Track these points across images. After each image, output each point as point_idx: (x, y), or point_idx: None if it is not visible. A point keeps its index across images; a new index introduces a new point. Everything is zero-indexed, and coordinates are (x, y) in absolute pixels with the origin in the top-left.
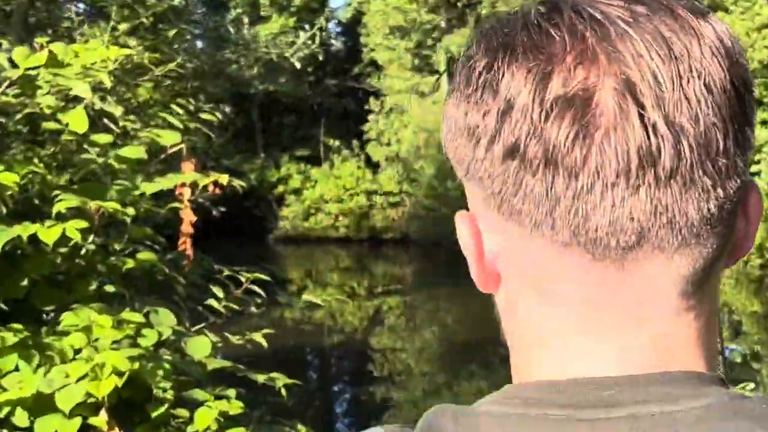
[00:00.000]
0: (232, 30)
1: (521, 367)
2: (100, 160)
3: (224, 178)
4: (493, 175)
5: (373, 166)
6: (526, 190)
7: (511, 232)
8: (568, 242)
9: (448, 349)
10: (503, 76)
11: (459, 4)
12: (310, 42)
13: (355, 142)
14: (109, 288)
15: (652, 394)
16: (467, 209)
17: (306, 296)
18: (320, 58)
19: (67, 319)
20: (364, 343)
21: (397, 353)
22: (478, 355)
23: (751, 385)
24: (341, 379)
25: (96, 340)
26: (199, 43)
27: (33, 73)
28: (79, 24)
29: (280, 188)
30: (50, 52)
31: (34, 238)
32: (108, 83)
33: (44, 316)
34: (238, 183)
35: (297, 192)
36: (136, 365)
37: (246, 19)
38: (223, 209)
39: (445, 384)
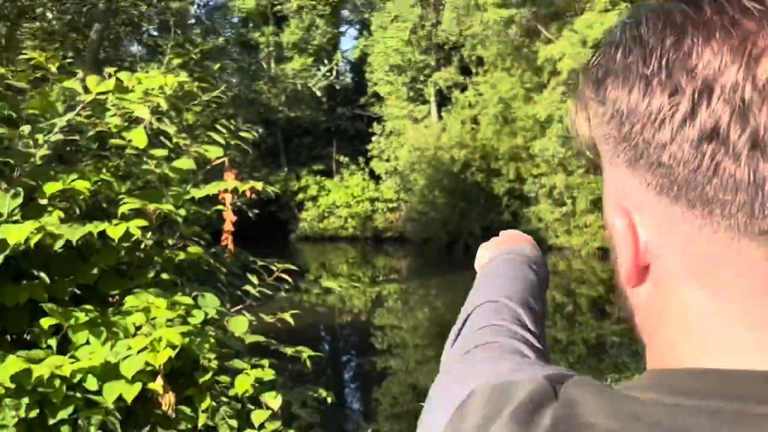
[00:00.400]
0: (264, 65)
1: (670, 361)
2: (157, 170)
3: (258, 185)
4: (682, 159)
5: (376, 178)
6: (724, 177)
7: (686, 222)
8: (762, 230)
9: (436, 326)
10: (699, 54)
11: (445, 47)
12: (328, 74)
13: (361, 159)
14: (165, 276)
15: None
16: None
17: (325, 282)
18: (337, 87)
19: (129, 301)
20: (368, 321)
21: (394, 330)
22: None
23: None
24: (349, 351)
25: (153, 319)
26: (234, 79)
27: (102, 97)
28: (139, 59)
29: (300, 196)
30: (117, 79)
31: (102, 235)
32: (164, 106)
33: (110, 299)
34: (271, 189)
35: (314, 199)
36: (187, 340)
37: (272, 59)
38: (256, 212)
39: (433, 356)
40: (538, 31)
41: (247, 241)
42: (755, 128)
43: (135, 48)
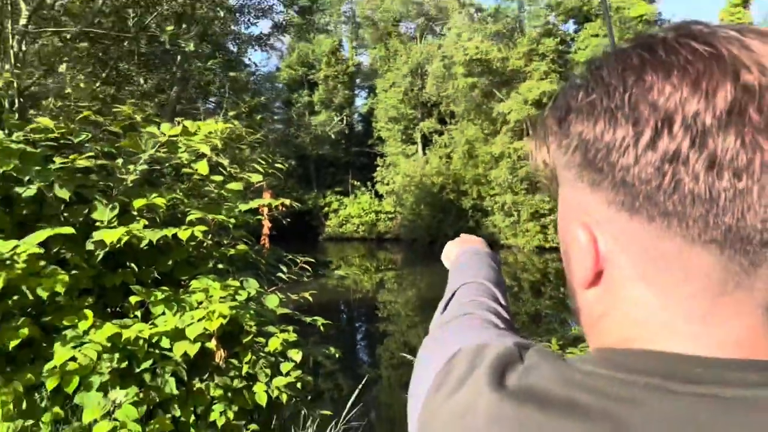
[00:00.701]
0: (294, 116)
1: (610, 345)
2: (215, 191)
3: (287, 201)
4: (645, 179)
5: (379, 196)
6: (683, 193)
7: (644, 233)
8: (714, 239)
9: (421, 301)
10: (661, 89)
11: (428, 104)
12: (340, 123)
13: (369, 183)
14: (220, 266)
15: (733, 378)
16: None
17: (338, 271)
18: (346, 132)
19: (194, 284)
20: (373, 297)
21: (392, 303)
22: (438, 303)
23: None
24: (360, 318)
25: (211, 296)
26: (280, 126)
27: (174, 139)
28: (205, 112)
29: (326, 209)
30: (184, 126)
31: (175, 236)
32: (219, 145)
33: (182, 282)
34: (296, 204)
35: (335, 211)
36: (234, 312)
37: (306, 112)
38: (288, 220)
39: (419, 321)
40: (493, 93)
41: (287, 240)
42: (713, 150)
43: (201, 103)
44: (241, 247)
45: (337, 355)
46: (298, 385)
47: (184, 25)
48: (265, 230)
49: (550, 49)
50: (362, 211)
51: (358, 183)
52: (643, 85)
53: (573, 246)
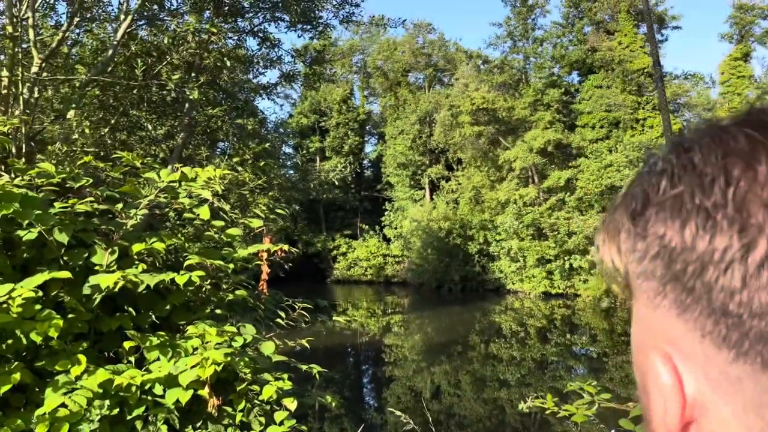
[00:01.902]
0: (299, 162)
1: None
2: (216, 236)
3: (286, 247)
4: (758, 311)
5: (387, 240)
6: None
7: (756, 383)
8: None
9: (427, 345)
10: None
11: (436, 151)
12: (344, 170)
13: (377, 227)
14: (218, 311)
15: None
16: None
17: (337, 318)
18: (351, 181)
19: (190, 330)
20: (380, 341)
21: (398, 347)
22: (445, 349)
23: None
24: (366, 362)
25: (207, 342)
26: (291, 171)
27: (174, 184)
28: (211, 157)
29: (334, 252)
30: (182, 172)
31: (174, 281)
32: (220, 190)
33: (181, 327)
34: (294, 249)
35: (344, 254)
36: (229, 359)
37: (318, 157)
38: (290, 265)
39: (425, 366)
40: (499, 141)
41: (296, 282)
42: None
43: (207, 149)
44: (240, 292)
45: (333, 404)
46: None
47: (193, 74)
48: (264, 275)
49: (555, 99)
50: (370, 254)
51: (367, 227)
52: (755, 178)
53: (651, 380)
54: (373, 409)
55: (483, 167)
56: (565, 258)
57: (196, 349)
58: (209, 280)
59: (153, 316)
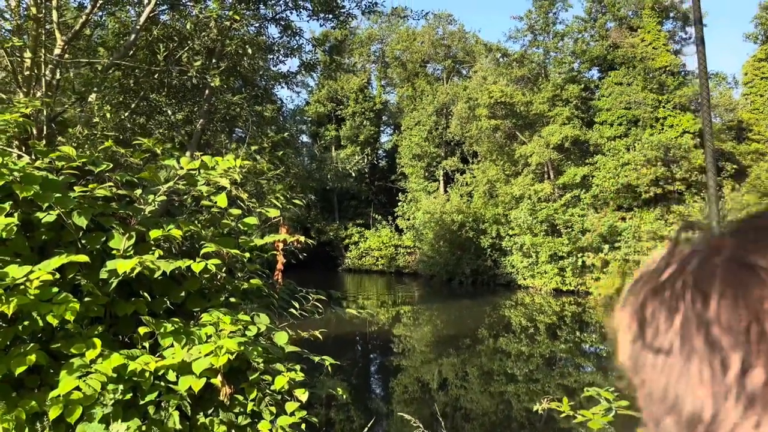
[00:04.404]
0: (316, 152)
1: None
2: (233, 224)
3: (302, 238)
4: None
5: (399, 231)
6: None
7: None
8: None
9: (436, 337)
10: None
11: (451, 144)
12: (362, 161)
13: (390, 218)
14: (232, 299)
15: None
16: None
17: (350, 309)
18: (365, 170)
19: (204, 317)
20: (389, 331)
21: (407, 338)
22: (454, 342)
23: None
24: (375, 351)
25: (221, 330)
26: (307, 159)
27: (193, 172)
28: (225, 145)
29: (347, 241)
30: (202, 160)
31: (190, 268)
32: (238, 179)
33: (195, 314)
34: (309, 241)
35: (356, 243)
36: (242, 348)
37: (333, 146)
38: (305, 255)
39: (434, 357)
40: (516, 135)
41: (308, 269)
42: None
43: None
44: (255, 281)
45: (344, 396)
46: (303, 426)
47: (214, 60)
48: (279, 265)
49: (574, 95)
50: (382, 244)
51: (380, 217)
52: None
53: None
54: (380, 398)
55: (498, 161)
56: (578, 255)
57: (209, 336)
58: (224, 268)
59: (168, 302)
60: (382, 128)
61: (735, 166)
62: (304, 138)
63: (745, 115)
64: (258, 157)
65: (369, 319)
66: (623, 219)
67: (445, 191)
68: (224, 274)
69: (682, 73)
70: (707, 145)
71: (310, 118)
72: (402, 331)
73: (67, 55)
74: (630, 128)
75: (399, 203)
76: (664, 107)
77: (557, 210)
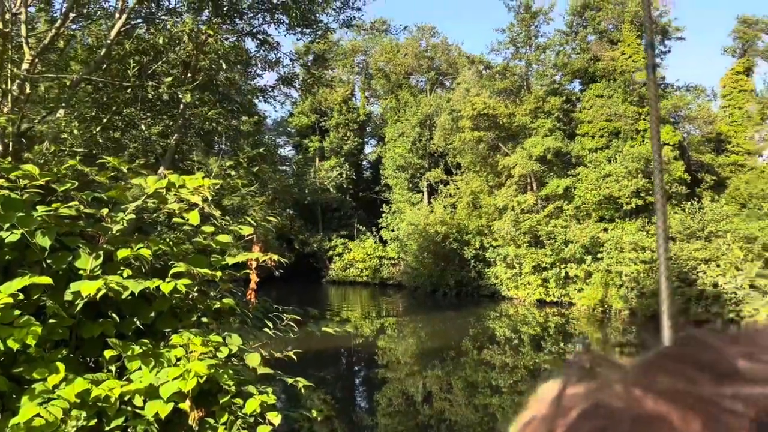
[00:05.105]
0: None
1: None
2: (205, 242)
3: (275, 257)
4: None
5: (384, 242)
6: None
7: None
8: None
9: (421, 349)
10: None
11: (435, 155)
12: (341, 177)
13: (374, 229)
14: (204, 319)
15: None
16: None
17: (326, 328)
18: (348, 182)
19: (174, 338)
20: (373, 343)
21: (392, 350)
22: (439, 354)
23: None
24: (359, 363)
25: (191, 352)
26: (288, 169)
27: (161, 190)
28: (204, 160)
29: (330, 252)
30: (169, 180)
31: (159, 288)
32: (209, 197)
33: (166, 334)
34: (283, 259)
35: (340, 255)
36: (212, 370)
37: (317, 158)
38: (281, 271)
39: (418, 369)
40: (499, 146)
41: (292, 281)
42: None
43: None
44: (227, 300)
45: (318, 419)
46: None
47: (189, 74)
48: (252, 284)
49: (556, 107)
50: (366, 255)
51: (364, 228)
52: None
53: None
54: (364, 412)
55: (482, 173)
56: (561, 266)
57: (179, 359)
58: (196, 288)
59: (138, 323)
60: (366, 139)
61: (714, 178)
62: (289, 149)
63: (724, 127)
64: (232, 173)
65: (353, 332)
66: (605, 230)
67: (429, 202)
68: (196, 293)
69: (662, 85)
70: (655, 173)
71: (293, 130)
72: (386, 343)
73: (38, 69)
74: (611, 140)
75: (383, 214)
76: (644, 119)
77: (540, 221)
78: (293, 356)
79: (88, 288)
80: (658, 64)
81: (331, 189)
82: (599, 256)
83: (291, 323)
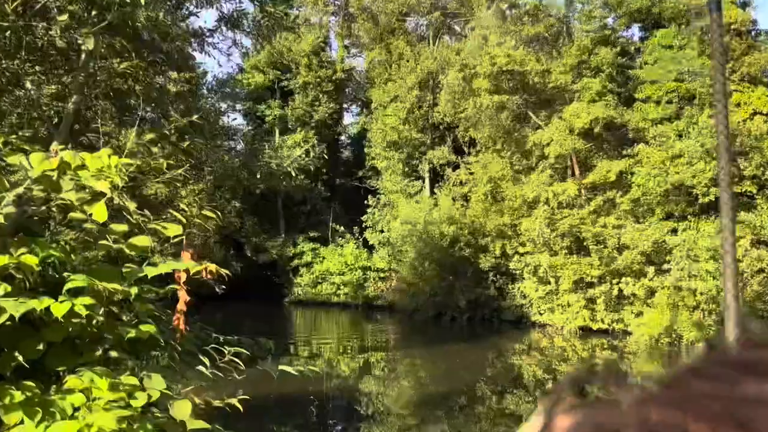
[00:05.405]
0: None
1: None
2: (115, 246)
3: (212, 267)
4: None
5: (369, 247)
6: None
7: None
8: None
9: (420, 396)
10: None
11: (440, 127)
12: (307, 157)
13: (356, 228)
14: (114, 353)
15: None
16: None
17: (284, 367)
18: (319, 164)
19: (70, 381)
20: (353, 388)
21: (380, 397)
22: (444, 402)
23: None
24: (335, 416)
25: (94, 399)
26: (240, 146)
27: (52, 173)
28: (114, 130)
29: (296, 261)
30: (62, 159)
31: (49, 310)
32: (119, 183)
33: (59, 374)
34: (224, 272)
35: (308, 265)
36: (124, 424)
37: (277, 130)
38: (224, 288)
39: (415, 423)
40: (528, 116)
41: (241, 302)
42: None
43: (111, 121)
44: (147, 327)
45: None
46: None
47: (93, 12)
48: (181, 305)
49: (607, 62)
50: (345, 266)
51: (342, 228)
52: None
53: None
54: None
55: (505, 152)
56: (613, 281)
57: (77, 409)
58: (103, 309)
59: (20, 359)
60: (345, 105)
61: None
62: (236, 119)
63: None
64: (155, 150)
65: (327, 371)
66: (674, 232)
67: (432, 193)
68: (101, 318)
69: (752, 33)
70: (720, 152)
71: (244, 91)
72: (372, 387)
73: None
74: (683, 107)
75: (368, 209)
76: (729, 78)
77: (584, 219)
78: (239, 405)
79: None
80: (749, 4)
81: (294, 173)
82: (665, 267)
83: (235, 359)
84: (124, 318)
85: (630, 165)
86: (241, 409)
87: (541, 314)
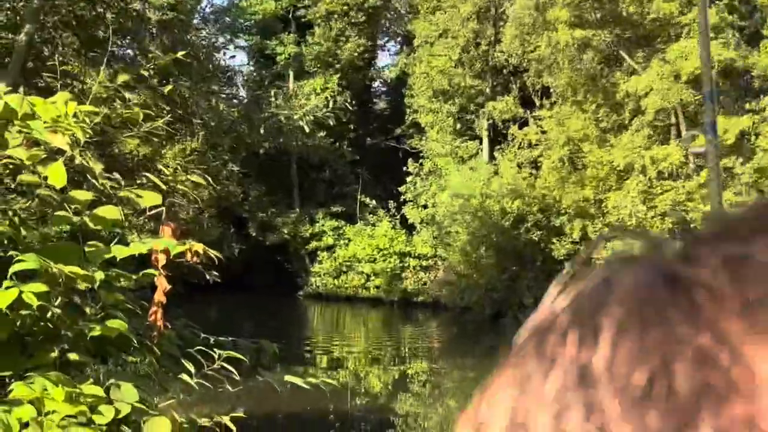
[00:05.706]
0: (242, 86)
1: None
2: (75, 219)
3: (198, 247)
4: None
5: (408, 227)
6: None
7: None
8: None
9: None
10: None
11: (504, 72)
12: (326, 108)
13: (391, 203)
14: (73, 356)
15: None
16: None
17: (291, 377)
18: (331, 123)
19: (18, 389)
20: (387, 407)
21: (420, 420)
22: None
23: None
24: None
25: (48, 413)
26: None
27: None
28: (81, 70)
29: (313, 244)
30: (6, 103)
31: None
32: (82, 138)
33: (4, 382)
34: (214, 254)
35: (330, 249)
36: None
37: (292, 72)
38: (216, 275)
39: None
40: (620, 58)
41: (244, 293)
42: None
43: (73, 57)
44: (115, 323)
45: None
46: None
47: None
48: (159, 295)
49: None
50: (377, 251)
51: (373, 202)
52: None
53: None
54: None
55: (588, 105)
56: None
57: (26, 425)
58: (60, 299)
59: None
60: (380, 42)
61: None
62: (239, 58)
63: None
64: (129, 96)
65: (352, 386)
66: None
67: (492, 158)
68: (58, 310)
69: None
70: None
71: (249, 23)
72: (410, 407)
73: None
74: None
75: (408, 178)
76: None
77: (692, 194)
78: (231, 425)
79: None
80: None
81: (308, 128)
82: None
83: (228, 367)
84: (87, 311)
85: (755, 123)
86: (234, 430)
87: None
